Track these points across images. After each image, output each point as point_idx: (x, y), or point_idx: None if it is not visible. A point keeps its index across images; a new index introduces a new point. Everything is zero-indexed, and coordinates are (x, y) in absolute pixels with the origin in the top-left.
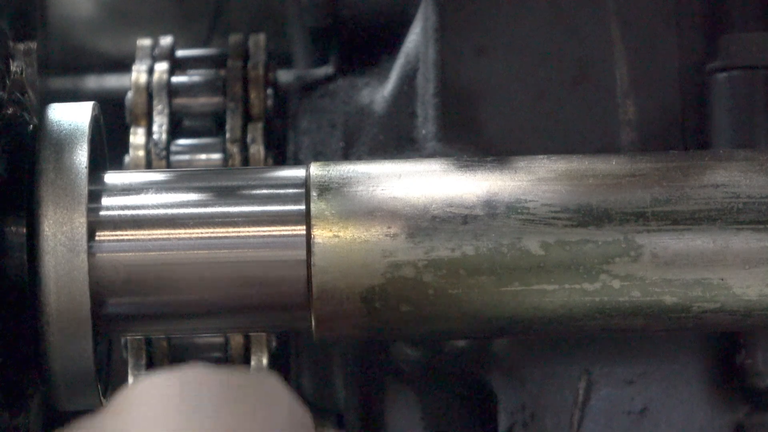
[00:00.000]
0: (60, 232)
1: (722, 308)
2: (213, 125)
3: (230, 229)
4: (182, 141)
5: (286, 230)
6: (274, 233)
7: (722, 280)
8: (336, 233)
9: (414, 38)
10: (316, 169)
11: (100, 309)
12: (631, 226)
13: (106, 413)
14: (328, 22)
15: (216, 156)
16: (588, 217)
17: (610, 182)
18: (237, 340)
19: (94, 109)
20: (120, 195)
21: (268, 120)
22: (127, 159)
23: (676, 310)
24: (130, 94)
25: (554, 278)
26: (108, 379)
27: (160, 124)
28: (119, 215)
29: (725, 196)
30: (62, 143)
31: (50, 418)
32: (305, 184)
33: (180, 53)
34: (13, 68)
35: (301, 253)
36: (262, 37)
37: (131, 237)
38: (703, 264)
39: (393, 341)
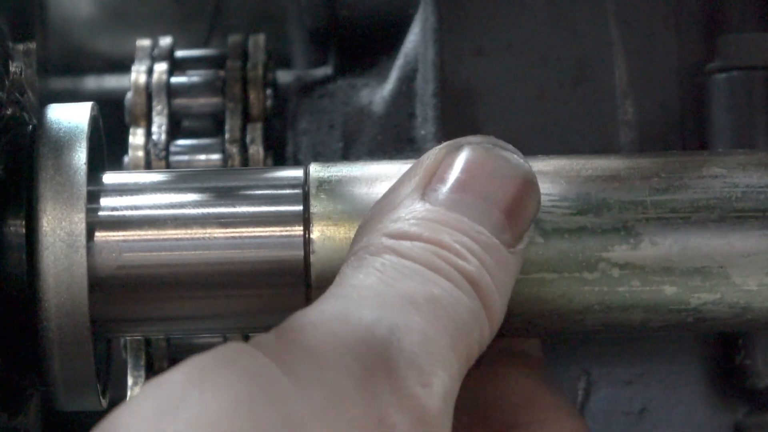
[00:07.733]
0: (59, 227)
1: (722, 300)
2: (212, 126)
3: (229, 229)
4: (181, 141)
5: (284, 230)
6: (272, 233)
7: (722, 268)
8: (334, 233)
9: (413, 39)
10: (314, 170)
11: (98, 307)
12: (630, 215)
13: None
14: (327, 23)
15: (215, 156)
16: (586, 205)
17: (609, 173)
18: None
19: (92, 109)
20: (118, 194)
21: (267, 120)
22: (126, 159)
23: (676, 302)
24: (129, 95)
25: (553, 266)
26: (107, 379)
27: (159, 125)
28: (117, 215)
29: (724, 185)
30: (61, 142)
31: (49, 419)
32: (304, 184)
33: (179, 54)
34: (12, 69)
35: (299, 253)
36: (261, 38)
37: (129, 237)
38: (702, 252)
39: None
